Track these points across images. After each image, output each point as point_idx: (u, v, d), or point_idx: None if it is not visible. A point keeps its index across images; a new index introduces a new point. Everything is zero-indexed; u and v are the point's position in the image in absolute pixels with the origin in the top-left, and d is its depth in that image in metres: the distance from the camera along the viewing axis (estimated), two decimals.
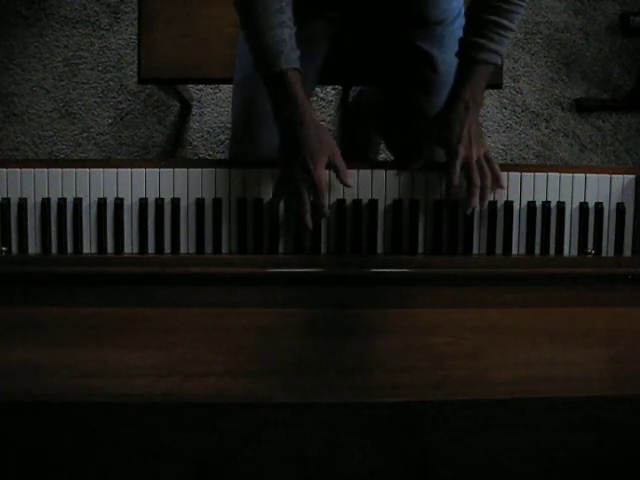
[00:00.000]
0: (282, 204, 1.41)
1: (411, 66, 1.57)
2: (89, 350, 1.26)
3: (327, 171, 1.37)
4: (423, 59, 1.55)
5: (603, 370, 1.28)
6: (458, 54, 1.41)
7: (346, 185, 1.38)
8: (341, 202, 1.42)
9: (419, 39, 1.55)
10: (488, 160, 1.40)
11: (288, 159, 1.36)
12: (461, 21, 1.58)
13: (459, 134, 1.38)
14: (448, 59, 1.43)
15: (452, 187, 1.39)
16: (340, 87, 2.28)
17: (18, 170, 1.41)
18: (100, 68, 2.33)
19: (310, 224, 1.37)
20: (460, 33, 1.42)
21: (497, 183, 1.41)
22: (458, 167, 1.38)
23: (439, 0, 1.53)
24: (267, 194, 1.42)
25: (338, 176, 1.37)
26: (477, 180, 1.38)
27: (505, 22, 1.36)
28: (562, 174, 1.44)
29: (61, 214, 1.41)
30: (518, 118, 2.35)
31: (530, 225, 1.44)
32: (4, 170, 1.41)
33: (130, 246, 1.43)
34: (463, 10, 1.58)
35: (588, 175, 1.45)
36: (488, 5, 1.36)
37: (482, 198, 1.39)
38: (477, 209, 1.41)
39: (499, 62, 1.39)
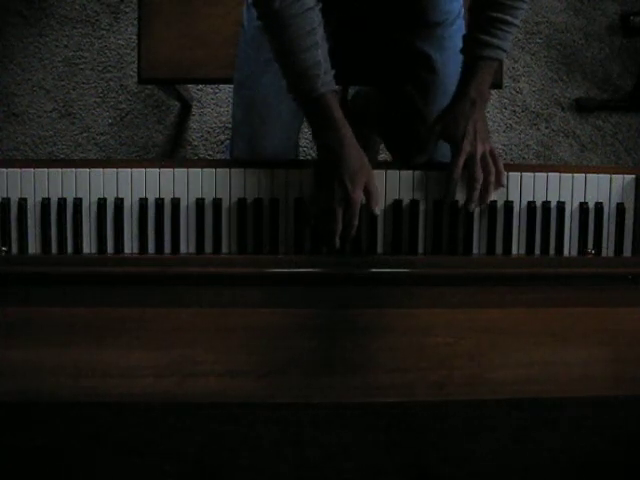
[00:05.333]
0: None
1: (410, 67, 1.57)
2: (89, 350, 1.26)
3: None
4: (422, 60, 1.55)
5: (603, 370, 1.28)
6: (462, 51, 1.41)
7: (373, 213, 1.38)
8: None
9: (418, 40, 1.55)
10: (493, 156, 1.40)
11: (326, 178, 1.36)
12: (461, 22, 1.58)
13: (464, 130, 1.38)
14: (447, 61, 1.43)
15: (452, 182, 1.39)
16: (339, 87, 2.28)
17: (18, 170, 1.41)
18: (100, 68, 2.33)
19: (339, 243, 1.37)
20: (460, 34, 1.42)
21: (499, 181, 1.41)
22: (461, 162, 1.38)
23: (439, 1, 1.53)
24: (267, 194, 1.42)
25: (368, 202, 1.37)
26: (479, 175, 1.38)
27: (508, 18, 1.36)
28: (562, 174, 1.44)
29: (61, 214, 1.41)
30: (518, 118, 2.35)
31: (530, 225, 1.44)
32: (4, 170, 1.41)
33: (130, 246, 1.43)
34: (463, 11, 1.58)
35: (588, 175, 1.45)
36: (491, 2, 1.36)
37: (484, 195, 1.39)
38: (477, 209, 1.41)
39: (503, 58, 1.40)
